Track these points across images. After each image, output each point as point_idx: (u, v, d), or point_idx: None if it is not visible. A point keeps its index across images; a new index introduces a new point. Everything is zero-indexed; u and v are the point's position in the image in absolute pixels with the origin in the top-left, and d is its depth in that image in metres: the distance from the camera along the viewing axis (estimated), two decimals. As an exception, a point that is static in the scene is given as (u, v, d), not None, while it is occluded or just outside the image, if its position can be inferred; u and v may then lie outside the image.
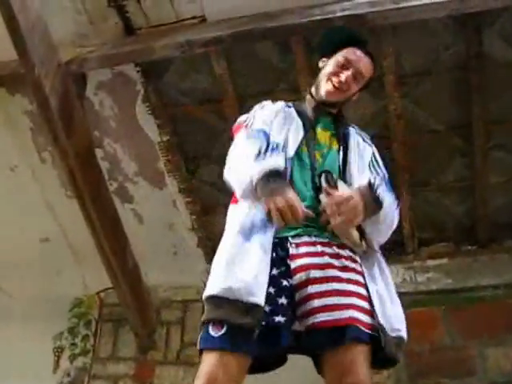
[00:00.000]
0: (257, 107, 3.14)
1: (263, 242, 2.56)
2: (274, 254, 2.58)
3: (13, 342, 5.87)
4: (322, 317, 2.49)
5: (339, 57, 3.07)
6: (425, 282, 5.32)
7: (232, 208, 2.85)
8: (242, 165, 2.68)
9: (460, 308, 5.13)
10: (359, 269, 2.67)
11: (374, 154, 3.12)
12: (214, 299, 2.48)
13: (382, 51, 4.53)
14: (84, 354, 5.79)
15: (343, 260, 2.64)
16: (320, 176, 2.70)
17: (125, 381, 5.56)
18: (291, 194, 2.49)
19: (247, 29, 4.29)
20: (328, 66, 3.10)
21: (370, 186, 2.71)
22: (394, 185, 3.05)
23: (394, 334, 2.62)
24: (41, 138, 5.27)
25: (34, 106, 4.81)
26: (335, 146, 2.95)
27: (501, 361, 4.90)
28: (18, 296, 6.11)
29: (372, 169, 3.02)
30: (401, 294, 5.05)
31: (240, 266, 2.50)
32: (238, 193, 2.72)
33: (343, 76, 3.00)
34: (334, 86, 3.01)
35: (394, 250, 5.32)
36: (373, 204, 2.66)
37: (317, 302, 2.51)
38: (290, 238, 2.65)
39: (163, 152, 5.23)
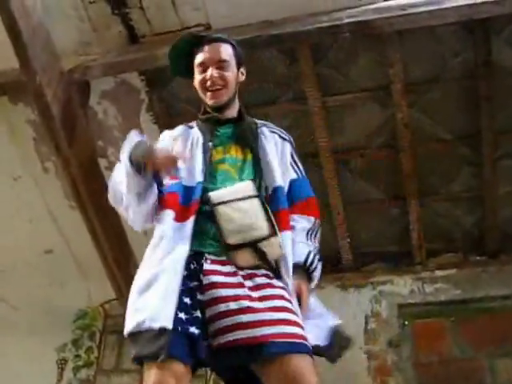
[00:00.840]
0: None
1: (176, 257, 2.50)
2: (192, 266, 2.51)
3: (17, 354, 5.81)
4: (236, 335, 2.38)
5: (195, 66, 2.94)
6: (433, 292, 5.24)
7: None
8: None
9: (469, 319, 5.07)
10: (278, 284, 2.56)
11: (292, 151, 2.98)
12: (130, 336, 2.43)
13: (389, 59, 4.48)
14: (88, 366, 5.72)
15: (256, 278, 2.54)
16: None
17: None
18: (157, 149, 2.58)
19: (252, 36, 4.21)
20: (195, 79, 2.96)
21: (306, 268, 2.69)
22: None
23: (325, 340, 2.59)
24: (44, 148, 5.20)
25: (37, 115, 4.73)
26: (247, 156, 2.84)
27: (511, 372, 4.83)
28: (22, 307, 6.02)
29: (294, 167, 2.92)
30: (409, 305, 5.12)
31: (150, 293, 2.46)
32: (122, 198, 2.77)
33: (208, 75, 2.86)
34: (209, 90, 2.87)
35: (403, 261, 5.33)
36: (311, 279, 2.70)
37: (228, 321, 2.40)
38: (205, 254, 2.56)
39: (167, 162, 5.08)
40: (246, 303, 2.41)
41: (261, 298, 2.45)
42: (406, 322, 5.13)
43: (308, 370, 2.35)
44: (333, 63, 4.62)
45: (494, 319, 5.00)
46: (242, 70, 2.99)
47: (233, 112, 2.94)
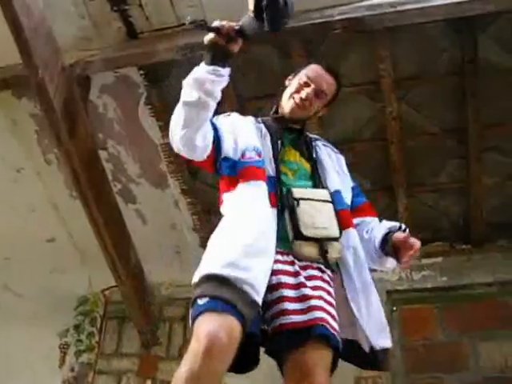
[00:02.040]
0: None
1: (271, 245, 2.52)
2: None
3: (20, 339, 5.80)
4: (290, 319, 2.45)
5: (302, 75, 3.04)
6: (420, 279, 5.26)
7: (230, 196, 2.78)
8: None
9: (454, 305, 5.09)
10: (327, 279, 2.65)
11: (345, 162, 3.18)
12: (220, 279, 2.34)
13: (379, 54, 4.47)
14: (89, 351, 5.72)
15: (310, 270, 2.62)
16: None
17: (128, 376, 5.50)
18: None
19: (247, 30, 4.15)
20: (292, 84, 3.06)
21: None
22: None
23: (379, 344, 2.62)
24: (46, 141, 5.19)
25: (39, 109, 4.70)
26: (305, 164, 2.95)
27: (493, 356, 4.85)
28: (25, 295, 6.01)
29: (350, 176, 3.11)
30: (397, 292, 5.11)
31: (255, 262, 2.42)
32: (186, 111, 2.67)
33: (304, 93, 2.96)
34: (296, 103, 2.97)
35: None
36: None
37: (286, 305, 2.47)
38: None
39: (165, 154, 5.16)
40: (302, 290, 2.49)
41: (313, 288, 2.53)
42: (394, 308, 5.14)
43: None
44: (324, 58, 4.56)
45: (478, 305, 5.01)
46: (326, 108, 3.13)
47: (298, 125, 3.05)
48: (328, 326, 2.43)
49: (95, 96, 4.92)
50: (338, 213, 2.73)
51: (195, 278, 2.43)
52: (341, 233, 2.68)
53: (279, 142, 2.90)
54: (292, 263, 2.58)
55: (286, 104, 3.00)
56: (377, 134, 4.93)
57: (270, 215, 2.61)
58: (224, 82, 2.63)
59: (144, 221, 5.60)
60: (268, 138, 2.91)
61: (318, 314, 2.44)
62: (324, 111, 3.13)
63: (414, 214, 5.20)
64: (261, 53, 4.61)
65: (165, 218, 5.54)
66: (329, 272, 2.66)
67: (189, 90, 2.63)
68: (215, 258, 2.44)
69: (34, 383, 5.60)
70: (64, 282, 5.86)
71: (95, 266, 5.56)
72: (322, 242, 2.62)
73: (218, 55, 2.62)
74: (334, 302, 2.57)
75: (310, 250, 2.60)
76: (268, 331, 2.50)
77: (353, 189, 3.03)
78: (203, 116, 2.64)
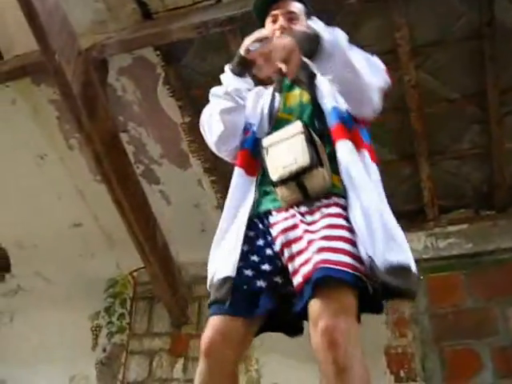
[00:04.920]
0: None
1: (240, 218, 2.53)
2: (260, 226, 2.51)
3: (53, 324, 5.82)
4: (299, 276, 2.28)
5: (267, 20, 2.85)
6: (446, 247, 5.18)
7: None
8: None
9: (481, 271, 5.01)
10: (335, 211, 2.38)
11: None
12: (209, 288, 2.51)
13: (396, 23, 4.35)
14: (121, 332, 5.73)
15: (315, 214, 2.41)
16: None
17: (160, 355, 5.50)
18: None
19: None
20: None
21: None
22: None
23: (386, 265, 2.21)
24: (67, 126, 5.17)
25: (59, 95, 4.63)
26: (303, 98, 2.73)
27: (522, 320, 4.80)
28: (55, 280, 6.02)
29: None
30: (423, 260, 5.05)
31: (219, 250, 2.53)
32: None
33: (277, 25, 2.77)
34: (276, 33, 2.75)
35: (416, 218, 5.26)
36: (309, 39, 2.42)
37: (295, 263, 2.33)
38: (271, 210, 2.52)
39: (186, 133, 5.10)
40: (305, 238, 2.31)
41: (315, 231, 2.32)
42: (421, 277, 5.05)
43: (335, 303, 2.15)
44: (340, 29, 4.47)
45: (505, 270, 4.92)
46: None
47: None
48: (330, 265, 2.17)
49: (113, 79, 4.87)
50: (330, 130, 2.53)
51: None
52: (318, 159, 2.41)
53: (277, 94, 2.78)
54: (294, 216, 2.43)
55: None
56: (396, 103, 4.78)
57: (245, 186, 2.60)
58: None
59: (168, 201, 5.57)
60: (265, 95, 2.83)
61: (317, 257, 2.21)
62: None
63: (437, 182, 5.12)
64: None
65: (189, 197, 5.50)
66: (333, 200, 2.43)
67: None
68: None
69: (69, 366, 5.61)
70: (92, 265, 5.88)
71: (122, 248, 5.55)
72: (298, 180, 2.42)
73: None
74: (344, 235, 2.29)
75: (288, 192, 2.44)
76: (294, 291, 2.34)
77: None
78: None
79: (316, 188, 2.41)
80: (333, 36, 2.41)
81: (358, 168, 2.44)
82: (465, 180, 5.22)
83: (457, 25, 4.43)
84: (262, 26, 2.87)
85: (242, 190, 2.59)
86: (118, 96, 4.97)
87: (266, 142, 2.54)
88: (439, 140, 5.00)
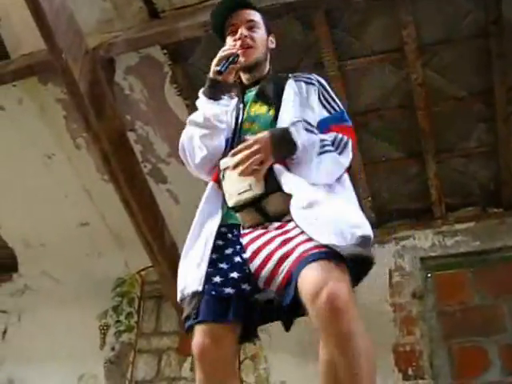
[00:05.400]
0: None
1: (209, 229, 2.50)
2: (229, 236, 2.50)
3: (61, 323, 5.80)
4: (281, 272, 2.24)
5: (227, 30, 2.83)
6: (453, 245, 5.18)
7: None
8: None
9: (488, 268, 5.02)
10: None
11: (321, 90, 2.73)
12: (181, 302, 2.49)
13: (402, 21, 4.35)
14: (129, 331, 5.73)
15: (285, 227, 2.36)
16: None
17: (168, 354, 5.52)
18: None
19: (269, 4, 4.07)
20: (227, 43, 2.81)
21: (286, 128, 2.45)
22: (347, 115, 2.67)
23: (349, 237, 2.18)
24: (74, 125, 5.16)
25: (66, 94, 4.67)
26: (269, 111, 2.66)
27: (529, 315, 4.81)
28: (63, 279, 6.03)
29: (325, 105, 2.68)
30: (431, 258, 5.05)
31: (186, 261, 2.51)
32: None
33: (237, 35, 2.74)
34: (239, 48, 2.69)
35: (423, 216, 5.30)
36: (286, 144, 2.40)
37: (268, 267, 2.30)
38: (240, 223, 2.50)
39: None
40: (278, 252, 2.27)
41: (285, 242, 2.28)
42: (429, 274, 5.11)
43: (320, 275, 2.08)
44: (347, 28, 4.49)
45: (512, 267, 4.94)
46: (271, 38, 2.89)
47: (262, 73, 2.80)
48: (312, 251, 2.14)
49: (120, 78, 4.87)
50: None
51: None
52: (269, 186, 2.38)
53: (241, 104, 2.72)
54: (267, 231, 2.39)
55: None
56: (403, 102, 4.81)
57: (215, 199, 2.58)
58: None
59: (176, 200, 5.56)
60: (232, 106, 2.74)
61: (296, 252, 2.19)
62: (272, 41, 2.89)
63: (444, 180, 5.14)
64: (284, 25, 4.47)
65: (197, 196, 5.35)
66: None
67: None
68: None
69: (77, 365, 5.61)
70: (100, 264, 5.88)
71: (130, 247, 5.57)
72: (256, 205, 2.41)
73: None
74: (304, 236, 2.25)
75: (249, 216, 2.43)
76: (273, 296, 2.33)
77: (321, 121, 2.61)
78: None
79: (277, 210, 2.40)
80: (311, 148, 2.41)
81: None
82: (472, 178, 5.23)
83: (463, 23, 4.42)
84: (223, 41, 2.84)
85: (211, 202, 2.58)
86: (126, 95, 4.97)
87: (222, 164, 2.51)
88: (446, 138, 4.99)
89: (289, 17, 4.42)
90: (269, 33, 2.88)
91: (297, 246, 2.22)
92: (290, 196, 2.34)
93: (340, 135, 2.51)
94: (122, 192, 4.65)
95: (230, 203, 2.43)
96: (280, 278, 2.24)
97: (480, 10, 4.33)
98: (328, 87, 2.76)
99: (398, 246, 5.23)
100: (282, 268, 2.24)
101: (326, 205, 2.30)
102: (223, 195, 2.51)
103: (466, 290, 4.98)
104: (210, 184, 2.64)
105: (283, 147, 2.39)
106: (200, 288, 2.35)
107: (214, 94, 2.60)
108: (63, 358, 5.62)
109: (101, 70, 4.42)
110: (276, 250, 2.28)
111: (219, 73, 2.56)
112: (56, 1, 3.95)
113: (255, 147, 2.36)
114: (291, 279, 2.17)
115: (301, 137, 2.40)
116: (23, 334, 5.98)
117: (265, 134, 2.42)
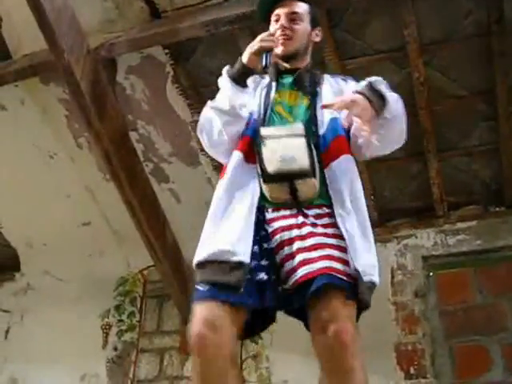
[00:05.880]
0: None
1: (247, 204, 2.46)
2: (260, 216, 2.47)
3: (63, 323, 5.80)
4: (300, 272, 2.29)
5: (271, 20, 2.86)
6: (455, 244, 5.18)
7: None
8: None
9: (490, 267, 5.03)
10: (330, 221, 2.43)
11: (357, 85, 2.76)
12: (201, 265, 2.40)
13: (404, 20, 4.32)
14: (131, 330, 5.70)
15: (312, 218, 2.43)
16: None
17: (171, 353, 5.51)
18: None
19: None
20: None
21: (370, 84, 2.51)
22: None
23: (366, 279, 2.34)
24: (76, 125, 5.17)
25: (68, 94, 4.68)
26: (303, 102, 2.71)
27: (531, 315, 4.81)
28: (65, 279, 6.05)
29: None
30: (433, 257, 5.04)
31: (226, 228, 2.42)
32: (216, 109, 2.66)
33: (279, 24, 2.78)
34: (278, 37, 2.74)
35: (425, 215, 5.31)
36: (376, 99, 2.46)
37: (294, 261, 2.34)
38: (267, 205, 2.49)
39: (195, 131, 5.01)
40: (309, 241, 2.35)
41: (319, 235, 2.37)
42: (431, 273, 5.11)
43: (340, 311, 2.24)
44: (349, 27, 4.48)
45: (514, 266, 4.94)
46: (316, 31, 2.89)
47: (301, 64, 2.81)
48: (333, 273, 2.26)
49: (122, 78, 4.87)
50: (332, 141, 2.54)
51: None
52: (320, 167, 2.46)
53: (273, 84, 2.76)
54: (296, 216, 2.44)
55: (276, 48, 2.75)
56: (405, 100, 4.65)
57: (247, 173, 2.54)
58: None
59: (178, 199, 5.57)
60: (262, 85, 2.79)
61: (322, 263, 2.28)
62: (317, 34, 2.91)
63: (447, 179, 5.14)
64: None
65: (198, 195, 5.39)
66: (323, 210, 2.47)
67: None
68: (199, 243, 2.48)
69: (80, 364, 5.61)
70: (102, 264, 5.89)
71: (132, 246, 5.56)
72: (291, 181, 2.43)
73: None
74: (342, 244, 2.36)
75: (278, 190, 2.45)
76: (290, 292, 2.35)
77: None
78: None
79: (307, 194, 2.44)
80: (396, 105, 2.56)
81: (359, 185, 2.56)
82: (474, 177, 5.23)
83: (465, 22, 4.41)
84: (267, 26, 2.86)
85: (243, 175, 2.54)
86: (127, 95, 4.97)
87: (264, 131, 2.52)
88: (448, 137, 4.99)
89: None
90: (314, 23, 2.88)
91: (322, 258, 2.29)
92: (325, 186, 2.44)
93: None
94: (123, 191, 4.64)
95: (270, 168, 2.42)
96: (297, 278, 2.29)
97: (482, 9, 4.31)
98: None
99: (400, 245, 5.23)
100: (302, 270, 2.29)
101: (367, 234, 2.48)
102: (257, 169, 2.51)
103: (468, 289, 4.98)
104: (236, 154, 2.59)
105: (376, 103, 2.44)
106: (247, 260, 2.30)
107: (244, 81, 2.60)
108: (65, 357, 5.60)
109: (102, 70, 4.43)
110: (298, 252, 2.33)
111: (264, 67, 2.57)
112: (57, 1, 3.95)
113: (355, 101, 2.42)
114: (308, 285, 2.24)
115: (388, 95, 2.50)
116: (26, 333, 5.97)
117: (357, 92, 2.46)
